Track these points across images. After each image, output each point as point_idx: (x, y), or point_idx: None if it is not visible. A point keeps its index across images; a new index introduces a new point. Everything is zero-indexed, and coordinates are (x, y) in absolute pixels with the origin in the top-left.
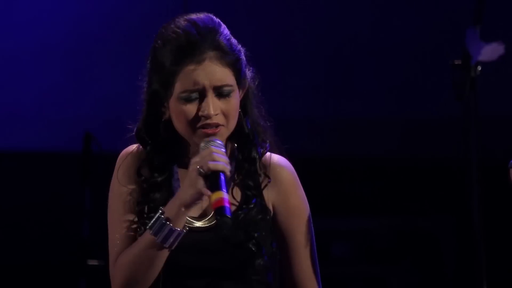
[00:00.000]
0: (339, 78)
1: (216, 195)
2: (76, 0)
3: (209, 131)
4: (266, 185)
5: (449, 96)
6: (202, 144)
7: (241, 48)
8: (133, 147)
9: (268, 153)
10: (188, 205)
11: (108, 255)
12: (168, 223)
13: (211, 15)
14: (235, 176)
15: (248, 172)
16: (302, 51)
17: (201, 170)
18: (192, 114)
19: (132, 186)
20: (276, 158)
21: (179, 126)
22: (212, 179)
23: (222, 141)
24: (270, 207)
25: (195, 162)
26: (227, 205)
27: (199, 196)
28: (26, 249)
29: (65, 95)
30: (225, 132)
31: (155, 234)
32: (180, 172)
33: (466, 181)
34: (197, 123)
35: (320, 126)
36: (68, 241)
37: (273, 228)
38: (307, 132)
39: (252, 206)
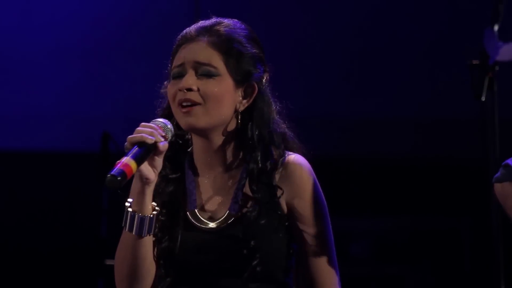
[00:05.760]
0: (355, 78)
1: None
2: (94, 2)
3: (184, 109)
4: (280, 196)
5: (467, 96)
6: None
7: (258, 52)
8: None
9: (286, 153)
10: (140, 189)
11: None
12: (136, 213)
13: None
14: (245, 183)
15: (252, 177)
16: (316, 51)
17: (126, 148)
18: (173, 90)
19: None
20: (292, 156)
21: (171, 107)
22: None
23: (168, 121)
24: (284, 207)
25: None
26: (118, 166)
27: (138, 173)
28: (44, 248)
29: (83, 96)
30: (202, 112)
31: (130, 228)
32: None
33: (485, 182)
34: (177, 100)
35: (337, 125)
36: (86, 241)
37: (289, 225)
38: (323, 131)
39: (251, 210)
